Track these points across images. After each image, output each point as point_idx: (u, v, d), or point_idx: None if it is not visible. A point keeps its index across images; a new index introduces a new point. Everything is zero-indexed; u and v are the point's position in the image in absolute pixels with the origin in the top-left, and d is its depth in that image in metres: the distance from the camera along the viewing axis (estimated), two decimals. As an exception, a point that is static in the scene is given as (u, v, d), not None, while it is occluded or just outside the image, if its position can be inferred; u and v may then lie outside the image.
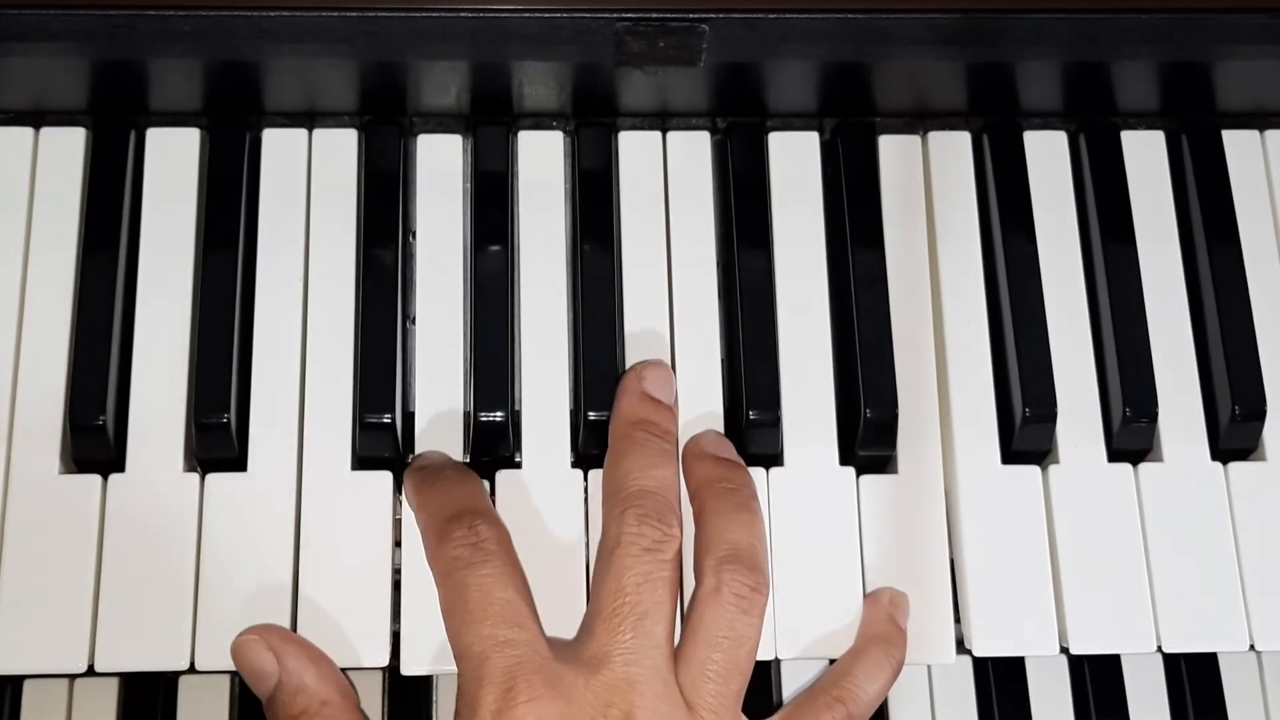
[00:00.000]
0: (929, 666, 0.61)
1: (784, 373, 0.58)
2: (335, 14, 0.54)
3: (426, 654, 0.54)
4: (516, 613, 0.50)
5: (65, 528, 0.55)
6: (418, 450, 0.57)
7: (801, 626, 0.56)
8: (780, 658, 0.55)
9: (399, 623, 0.55)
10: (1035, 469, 0.58)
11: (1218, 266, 0.60)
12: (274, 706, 0.52)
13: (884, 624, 0.55)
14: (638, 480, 0.54)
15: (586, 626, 0.52)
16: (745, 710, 0.53)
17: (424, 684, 0.59)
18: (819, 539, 0.56)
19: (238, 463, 0.57)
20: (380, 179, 0.60)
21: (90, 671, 0.54)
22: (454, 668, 0.52)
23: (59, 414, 0.56)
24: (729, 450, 0.56)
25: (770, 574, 0.56)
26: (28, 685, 0.58)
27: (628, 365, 0.58)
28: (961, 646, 0.57)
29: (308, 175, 0.60)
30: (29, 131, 0.60)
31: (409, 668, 0.55)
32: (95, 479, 0.55)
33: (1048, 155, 0.62)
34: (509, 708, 0.47)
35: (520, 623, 0.50)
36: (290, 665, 0.52)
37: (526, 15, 0.54)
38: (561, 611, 0.54)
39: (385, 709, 0.58)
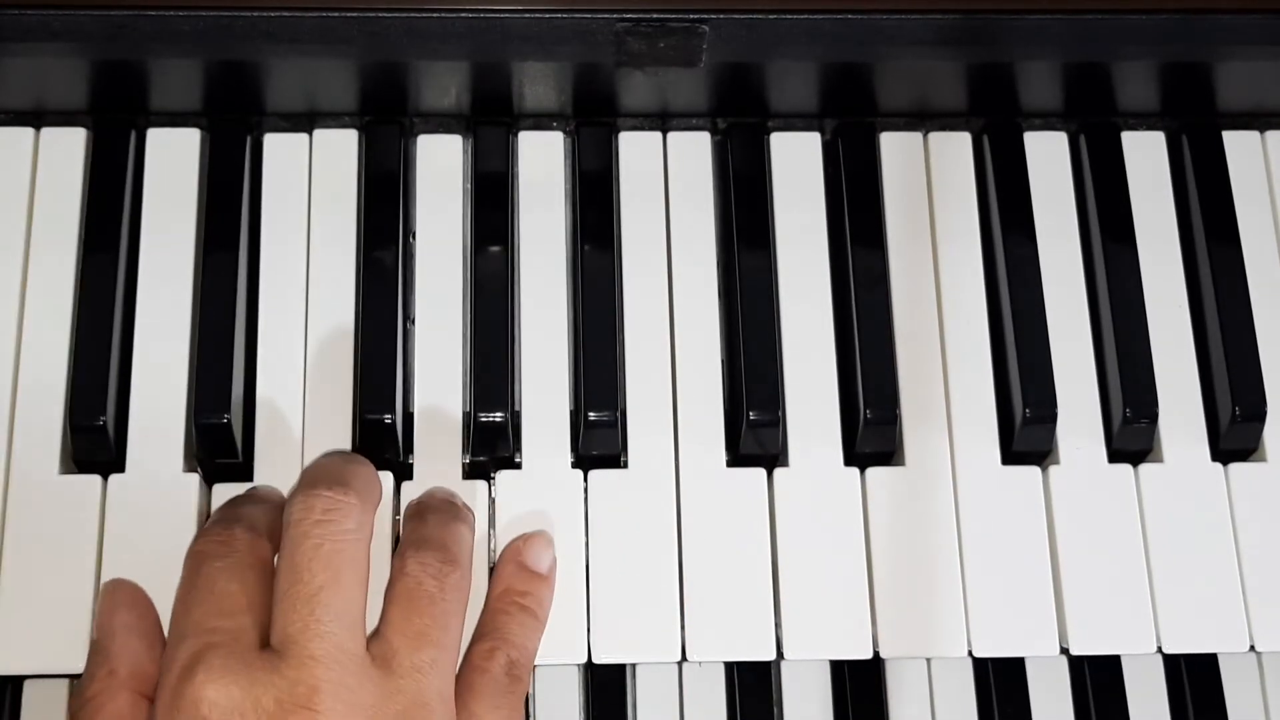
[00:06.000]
0: (929, 667, 0.61)
1: (787, 373, 0.58)
2: (335, 14, 0.54)
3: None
4: (233, 603, 0.50)
5: (65, 528, 0.55)
6: (418, 450, 0.57)
7: (806, 626, 0.55)
8: (786, 658, 0.55)
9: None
10: (1035, 469, 0.58)
11: (1218, 267, 0.61)
12: None
13: (512, 576, 0.54)
14: (313, 470, 0.53)
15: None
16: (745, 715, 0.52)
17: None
18: (823, 539, 0.56)
19: (237, 463, 0.57)
20: (380, 179, 0.60)
21: (90, 672, 0.54)
22: None
23: (59, 414, 0.56)
24: (451, 500, 0.56)
25: (778, 574, 0.56)
26: (28, 685, 0.58)
27: (628, 365, 0.58)
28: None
29: (308, 175, 0.60)
30: (29, 131, 0.60)
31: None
32: (95, 479, 0.55)
33: (1048, 156, 0.62)
34: (187, 681, 0.48)
35: (230, 612, 0.50)
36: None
37: (526, 15, 0.54)
38: (561, 611, 0.54)
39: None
